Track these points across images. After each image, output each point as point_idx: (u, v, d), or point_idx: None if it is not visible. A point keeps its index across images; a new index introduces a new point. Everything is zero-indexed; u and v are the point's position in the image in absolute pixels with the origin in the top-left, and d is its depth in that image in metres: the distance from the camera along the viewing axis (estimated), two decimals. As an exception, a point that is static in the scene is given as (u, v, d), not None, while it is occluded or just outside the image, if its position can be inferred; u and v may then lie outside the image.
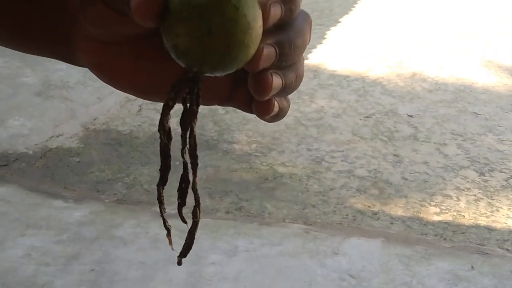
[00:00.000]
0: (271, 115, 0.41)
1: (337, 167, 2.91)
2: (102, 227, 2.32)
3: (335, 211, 2.58)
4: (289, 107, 0.42)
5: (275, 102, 0.40)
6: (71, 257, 2.14)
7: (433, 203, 2.65)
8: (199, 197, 0.39)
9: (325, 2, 5.34)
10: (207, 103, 0.42)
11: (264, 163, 2.91)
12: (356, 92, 3.69)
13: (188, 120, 0.38)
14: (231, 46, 0.35)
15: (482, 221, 2.53)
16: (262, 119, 0.41)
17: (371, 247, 2.33)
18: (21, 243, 2.17)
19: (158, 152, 0.39)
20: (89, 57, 0.41)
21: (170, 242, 0.40)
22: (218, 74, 0.37)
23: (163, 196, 0.39)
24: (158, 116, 0.40)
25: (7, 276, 2.02)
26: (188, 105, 0.38)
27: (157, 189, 0.39)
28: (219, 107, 3.50)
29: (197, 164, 0.39)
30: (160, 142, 0.38)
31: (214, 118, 3.26)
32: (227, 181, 2.74)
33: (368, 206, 2.62)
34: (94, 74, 0.42)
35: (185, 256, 0.40)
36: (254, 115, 0.42)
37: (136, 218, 2.40)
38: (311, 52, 4.22)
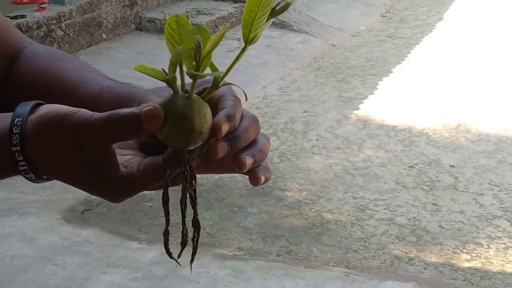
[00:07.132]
0: (261, 184, 0.64)
1: (380, 215, 3.22)
2: (170, 267, 2.71)
3: (374, 256, 2.89)
4: (271, 175, 0.64)
5: (261, 176, 0.63)
6: (144, 292, 2.55)
7: (465, 250, 2.92)
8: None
9: (380, 52, 5.66)
10: (219, 172, 0.68)
11: (313, 210, 3.25)
12: (402, 142, 4.00)
13: (187, 184, 0.62)
14: (192, 135, 0.60)
15: (509, 268, 2.79)
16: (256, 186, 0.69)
17: (403, 290, 2.63)
18: (103, 280, 2.60)
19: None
20: None
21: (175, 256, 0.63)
22: (191, 147, 0.61)
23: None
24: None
25: (92, 307, 2.44)
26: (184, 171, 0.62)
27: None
28: (275, 156, 3.79)
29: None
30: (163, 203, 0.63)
31: (270, 167, 3.63)
32: (279, 226, 3.10)
33: (405, 252, 2.91)
34: None
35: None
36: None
37: (199, 259, 2.78)
38: (362, 103, 4.55)
